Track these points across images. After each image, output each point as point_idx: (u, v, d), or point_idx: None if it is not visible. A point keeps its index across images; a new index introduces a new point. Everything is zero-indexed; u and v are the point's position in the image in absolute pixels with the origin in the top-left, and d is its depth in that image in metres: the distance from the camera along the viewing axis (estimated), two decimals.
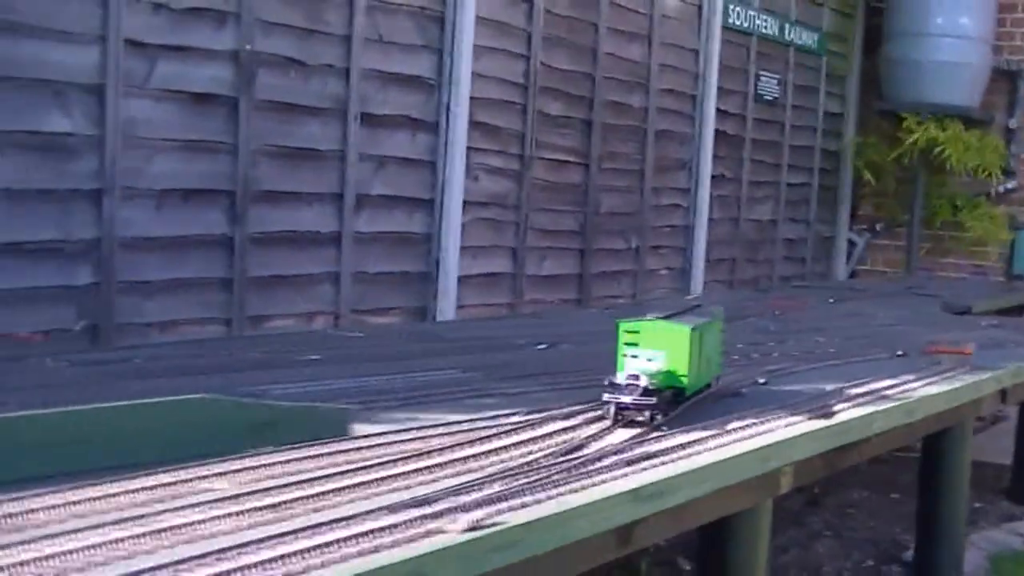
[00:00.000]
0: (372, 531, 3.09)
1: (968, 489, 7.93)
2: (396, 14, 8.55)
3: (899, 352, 7.68)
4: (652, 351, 4.72)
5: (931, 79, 14.61)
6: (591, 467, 3.98)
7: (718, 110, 12.69)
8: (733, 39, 12.95)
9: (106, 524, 2.97)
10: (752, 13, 13.29)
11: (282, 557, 2.84)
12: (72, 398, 4.18)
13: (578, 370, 6.09)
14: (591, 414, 4.73)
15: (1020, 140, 15.50)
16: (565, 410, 4.81)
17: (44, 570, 2.67)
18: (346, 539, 3.01)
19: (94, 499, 3.18)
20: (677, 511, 4.25)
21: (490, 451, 4.10)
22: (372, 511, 3.25)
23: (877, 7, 15.60)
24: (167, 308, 7.14)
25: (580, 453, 4.17)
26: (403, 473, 3.70)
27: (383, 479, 3.61)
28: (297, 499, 3.31)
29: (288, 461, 3.70)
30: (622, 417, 4.60)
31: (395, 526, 3.15)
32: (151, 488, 3.32)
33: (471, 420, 4.49)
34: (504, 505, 3.45)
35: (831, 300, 11.76)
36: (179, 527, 2.99)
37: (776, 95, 14.02)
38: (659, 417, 4.62)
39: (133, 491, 3.27)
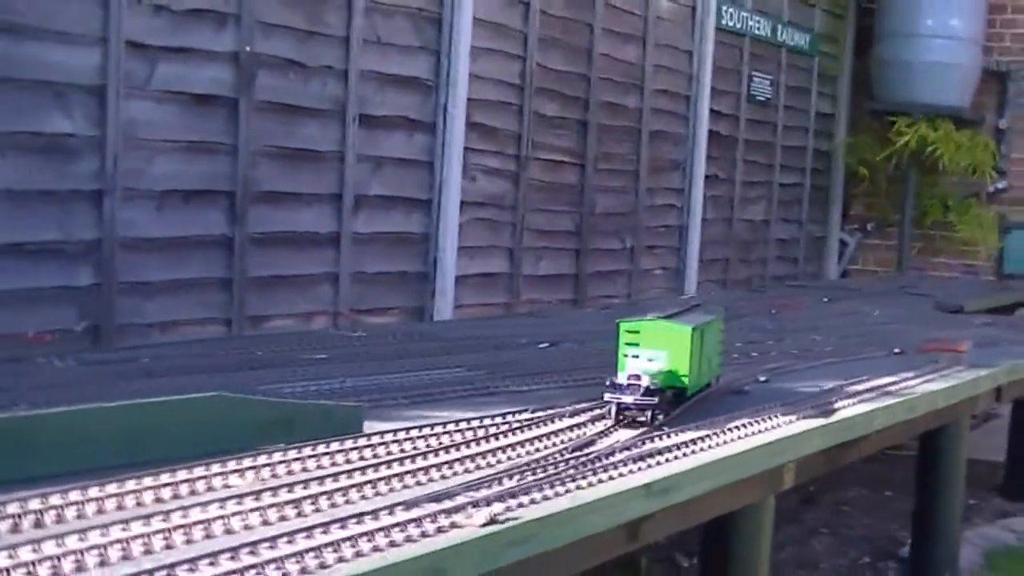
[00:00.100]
0: (390, 526, 3.13)
1: (963, 486, 8.00)
2: (394, 16, 8.59)
3: (896, 350, 7.75)
4: (653, 351, 4.73)
5: (922, 80, 14.69)
6: (602, 463, 4.03)
7: (712, 111, 12.75)
8: (726, 40, 13.01)
9: (129, 520, 3.00)
10: (745, 14, 13.35)
11: (304, 552, 2.88)
12: (87, 397, 4.22)
13: (581, 368, 6.14)
14: (598, 411, 4.77)
15: (1010, 140, 15.60)
16: (571, 408, 4.85)
17: (72, 565, 2.70)
18: (365, 534, 3.05)
19: (114, 495, 3.21)
20: (684, 507, 4.30)
21: (501, 448, 4.15)
22: (389, 506, 3.29)
23: (868, 8, 15.68)
24: (168, 309, 7.15)
25: (590, 449, 4.22)
26: (418, 469, 3.74)
27: (398, 475, 3.65)
28: (315, 495, 3.35)
29: (304, 458, 3.74)
30: (623, 417, 4.62)
31: (413, 521, 3.19)
32: (170, 485, 3.35)
33: (480, 418, 4.53)
34: (519, 500, 3.50)
35: (825, 299, 11.83)
36: (201, 522, 3.02)
37: (769, 96, 14.09)
38: (660, 417, 4.64)
39: (152, 488, 3.31)
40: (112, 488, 3.23)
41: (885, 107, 15.16)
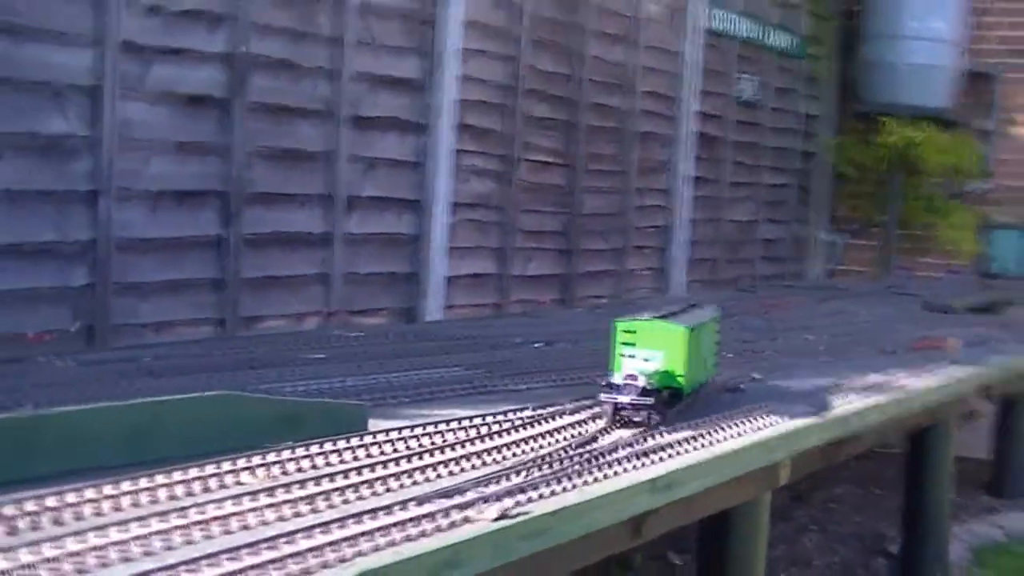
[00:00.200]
0: (404, 521, 3.17)
1: (952, 484, 8.08)
2: (386, 17, 8.61)
3: (887, 348, 7.81)
4: (649, 351, 4.71)
5: (906, 81, 14.80)
6: (606, 459, 4.07)
7: (699, 112, 12.80)
8: (715, 42, 13.07)
9: (148, 516, 3.03)
10: (733, 17, 13.40)
11: (322, 546, 2.91)
12: (92, 396, 4.24)
13: (576, 368, 6.18)
14: (597, 409, 4.80)
15: (995, 141, 15.70)
16: (572, 405, 4.88)
17: (95, 560, 2.72)
18: (380, 529, 3.08)
19: (129, 493, 3.24)
20: (687, 502, 4.35)
21: (505, 444, 4.18)
22: (402, 502, 3.32)
23: (853, 10, 15.77)
24: (162, 309, 7.16)
25: (593, 446, 4.27)
26: (426, 466, 3.77)
27: (407, 472, 3.69)
28: (327, 491, 3.38)
29: (312, 455, 3.77)
30: (620, 417, 4.60)
31: (426, 516, 3.23)
32: (184, 482, 3.37)
33: (482, 415, 4.55)
34: (528, 496, 3.53)
35: (814, 300, 11.90)
36: (218, 518, 3.05)
37: (756, 97, 14.16)
38: (656, 417, 4.61)
39: (167, 485, 3.33)
40: (127, 486, 3.26)
41: (870, 109, 15.26)
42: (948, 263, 15.65)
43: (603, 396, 4.63)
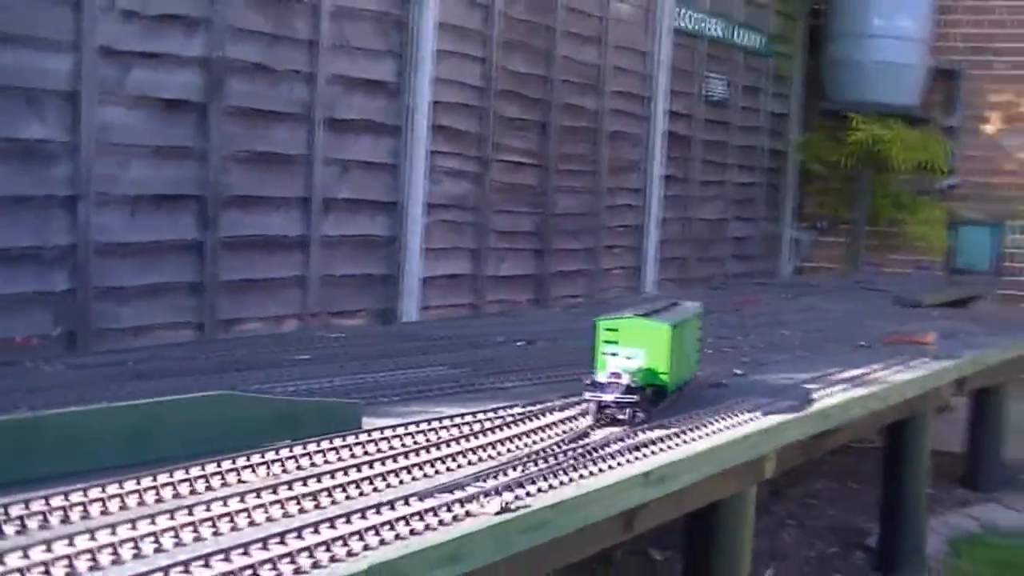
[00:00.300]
0: (407, 516, 3.20)
1: (928, 477, 8.18)
2: (360, 20, 8.63)
3: (861, 343, 7.90)
4: (632, 349, 4.72)
5: (873, 79, 14.93)
6: (599, 453, 4.12)
7: (669, 111, 12.88)
8: (683, 42, 13.15)
9: (154, 514, 3.05)
10: (700, 16, 13.49)
11: (328, 542, 2.94)
12: (87, 398, 4.25)
13: (559, 366, 6.23)
14: (585, 405, 4.84)
15: (960, 138, 15.87)
16: (560, 402, 4.93)
17: (109, 558, 2.74)
18: (385, 523, 3.12)
19: (134, 492, 3.26)
20: (678, 495, 4.40)
21: (499, 440, 4.23)
22: (404, 497, 3.36)
23: (818, 9, 15.90)
24: (141, 313, 7.16)
25: (585, 441, 4.31)
26: (423, 462, 3.81)
27: (405, 468, 3.72)
28: (329, 488, 3.41)
29: (311, 453, 3.80)
30: (604, 416, 4.62)
31: (429, 511, 3.26)
32: (186, 481, 3.39)
33: (473, 413, 4.59)
34: (527, 489, 3.58)
35: (785, 296, 12.00)
36: (224, 516, 3.08)
37: (724, 96, 14.25)
38: (641, 415, 4.63)
39: (170, 484, 3.35)
40: (130, 485, 3.28)
41: (838, 106, 15.38)
42: (916, 259, 15.81)
43: (587, 394, 4.65)
